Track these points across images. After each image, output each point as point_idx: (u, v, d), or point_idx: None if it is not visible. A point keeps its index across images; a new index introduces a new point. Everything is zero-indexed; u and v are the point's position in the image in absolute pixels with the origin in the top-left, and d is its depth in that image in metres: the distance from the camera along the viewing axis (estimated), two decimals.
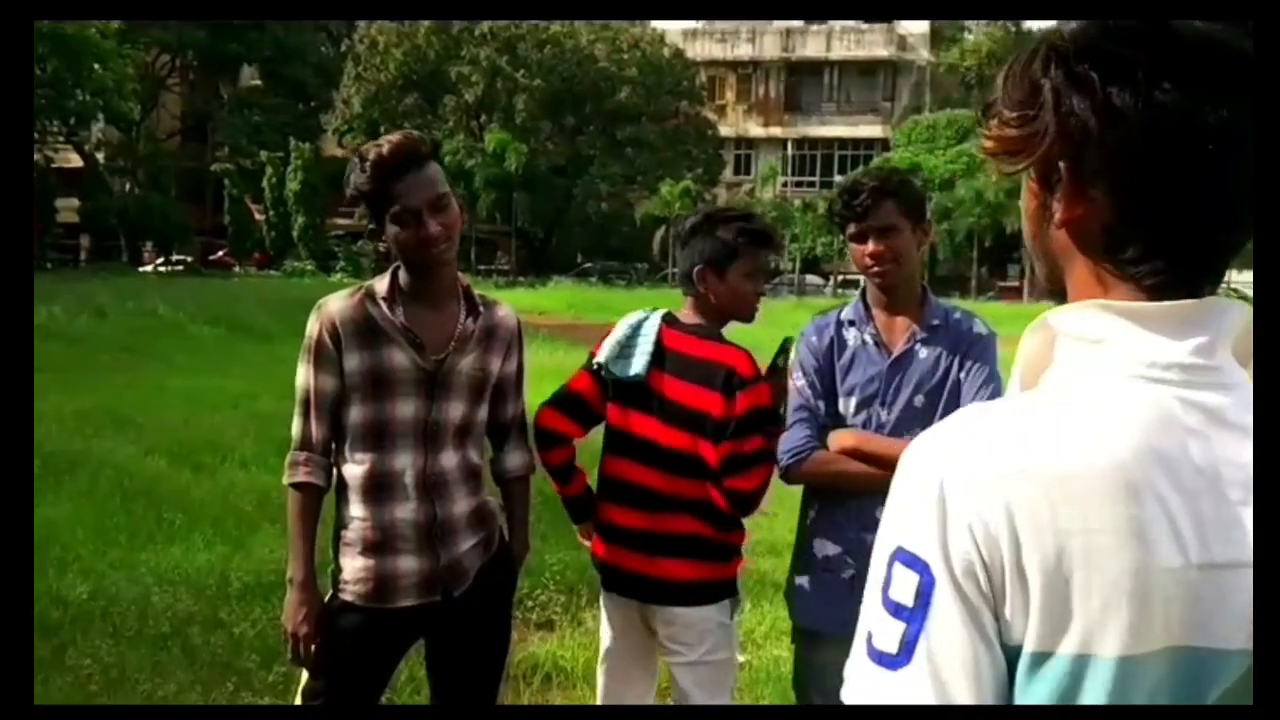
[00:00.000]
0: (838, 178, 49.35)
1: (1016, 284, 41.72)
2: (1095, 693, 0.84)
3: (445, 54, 45.96)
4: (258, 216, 48.33)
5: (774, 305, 34.38)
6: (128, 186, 49.15)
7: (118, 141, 48.18)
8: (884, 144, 50.29)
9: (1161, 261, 0.89)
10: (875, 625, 0.90)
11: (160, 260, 45.46)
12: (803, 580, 2.77)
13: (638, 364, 2.68)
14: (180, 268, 43.71)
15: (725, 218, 2.74)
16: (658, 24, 50.50)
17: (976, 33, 64.83)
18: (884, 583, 0.89)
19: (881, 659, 0.88)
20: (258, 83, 52.91)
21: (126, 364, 11.94)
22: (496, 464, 2.69)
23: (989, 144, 0.96)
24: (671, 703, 2.87)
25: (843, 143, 52.87)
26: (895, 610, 0.88)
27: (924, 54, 54.13)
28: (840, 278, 43.86)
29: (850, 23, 52.63)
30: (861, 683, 0.90)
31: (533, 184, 43.67)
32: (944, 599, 0.85)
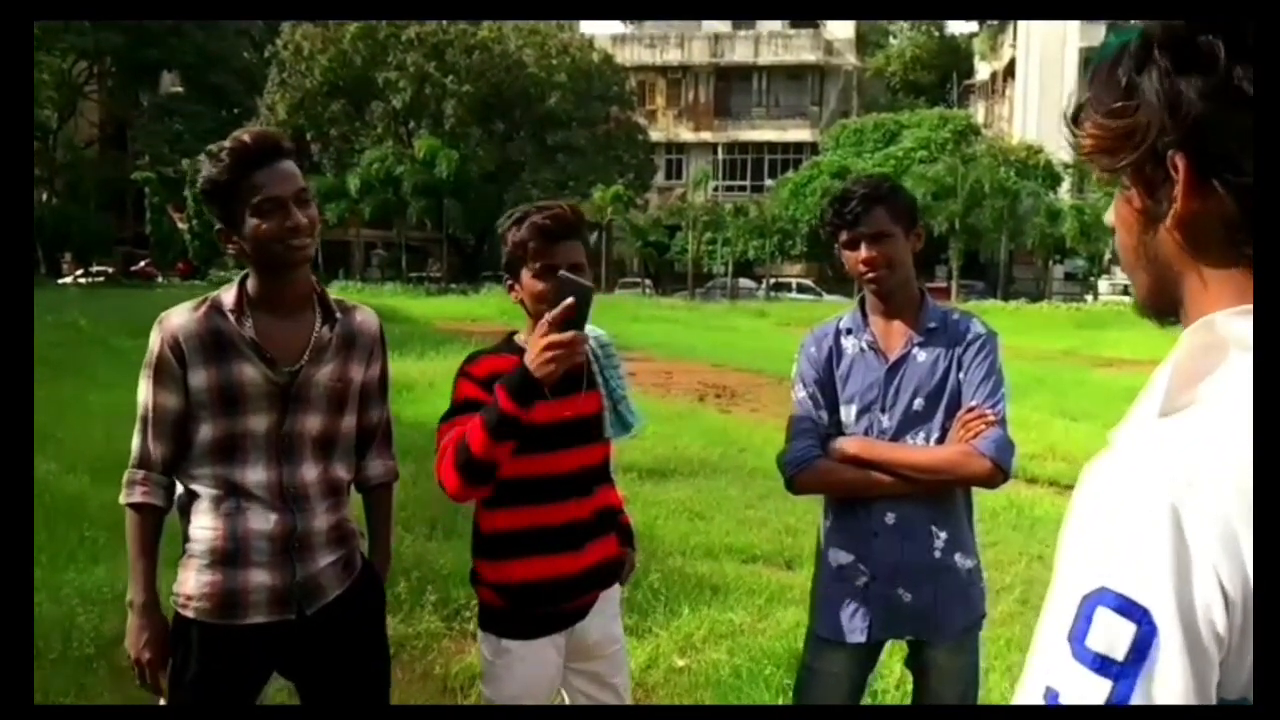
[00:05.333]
0: (768, 181, 49.91)
1: (944, 285, 42.42)
2: None
3: (372, 60, 45.41)
4: (180, 225, 47.32)
5: (707, 309, 34.71)
6: (45, 196, 47.82)
7: (34, 150, 46.87)
8: (813, 148, 50.81)
9: None
10: (1063, 680, 0.77)
11: (80, 272, 44.34)
12: (821, 589, 2.78)
13: None
14: (101, 279, 42.68)
15: (512, 221, 2.52)
16: (586, 29, 50.56)
17: (901, 38, 65.98)
18: (1077, 630, 0.77)
19: None
20: (179, 89, 51.88)
21: (46, 378, 11.57)
22: (359, 472, 2.55)
23: (1087, 142, 0.90)
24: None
25: (772, 146, 53.36)
26: (1098, 664, 0.75)
27: (850, 59, 54.86)
28: (772, 281, 44.22)
29: (778, 28, 53.17)
30: None
31: (463, 190, 43.33)
32: (1171, 653, 0.74)
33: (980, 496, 7.38)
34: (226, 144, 2.26)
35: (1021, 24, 46.75)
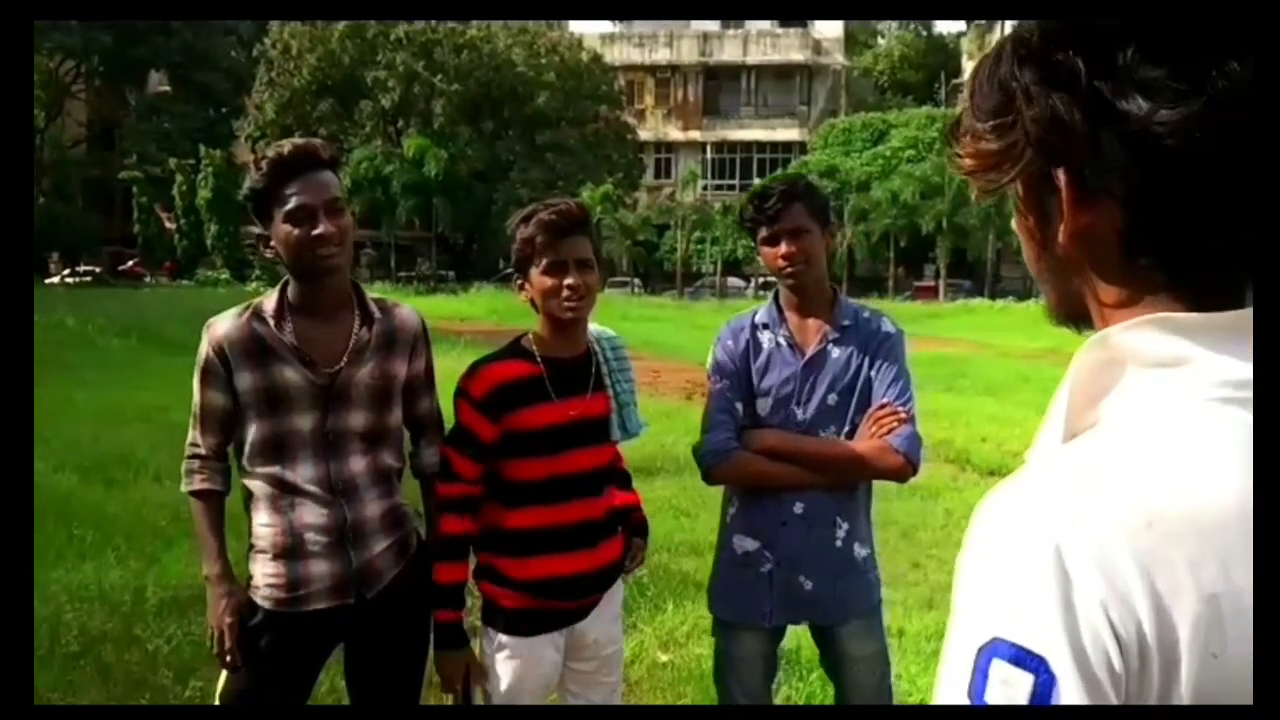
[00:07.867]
0: (757, 180, 49.87)
1: (932, 284, 42.56)
2: None
3: (360, 58, 45.36)
4: (168, 225, 47.19)
5: (696, 308, 34.75)
6: (32, 195, 47.64)
7: None
8: (801, 147, 50.95)
9: (1193, 262, 0.76)
10: None
11: (67, 271, 44.13)
12: (723, 575, 2.85)
13: None
14: (88, 278, 42.50)
15: (520, 218, 2.52)
16: (575, 28, 50.58)
17: (889, 37, 66.12)
18: (976, 685, 0.71)
19: None
20: (166, 88, 51.72)
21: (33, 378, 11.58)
22: (415, 459, 2.68)
23: (966, 163, 0.84)
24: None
25: (761, 146, 53.43)
26: None
27: (839, 58, 54.95)
28: (760, 279, 44.29)
29: (766, 27, 53.24)
30: None
31: (452, 189, 43.30)
32: (1071, 701, 0.69)
33: (965, 494, 7.38)
34: (269, 153, 2.39)
35: (1010, 23, 46.87)
